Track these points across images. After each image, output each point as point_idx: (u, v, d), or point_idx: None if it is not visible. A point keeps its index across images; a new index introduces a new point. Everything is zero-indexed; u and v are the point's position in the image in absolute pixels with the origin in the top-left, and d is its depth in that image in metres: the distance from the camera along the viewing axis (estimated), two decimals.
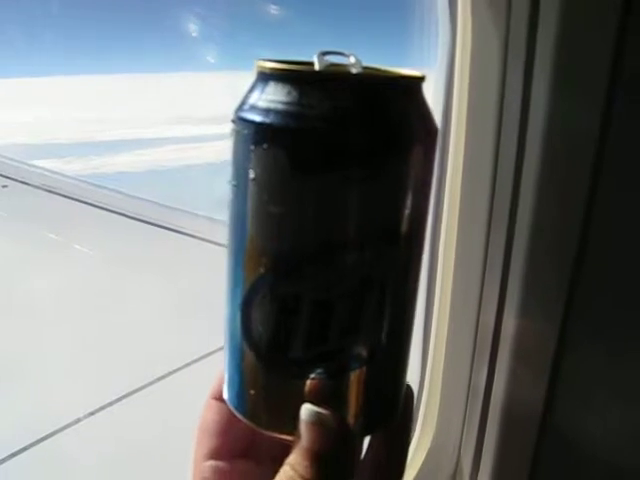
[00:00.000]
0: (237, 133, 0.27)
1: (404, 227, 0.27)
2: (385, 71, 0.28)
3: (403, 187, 0.27)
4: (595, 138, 0.40)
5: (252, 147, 0.26)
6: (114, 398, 1.74)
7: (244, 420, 0.30)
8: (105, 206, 3.45)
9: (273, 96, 0.26)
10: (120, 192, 3.64)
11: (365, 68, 0.28)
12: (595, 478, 0.47)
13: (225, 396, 0.31)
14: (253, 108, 0.26)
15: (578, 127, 0.41)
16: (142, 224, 3.20)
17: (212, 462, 0.34)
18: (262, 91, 0.27)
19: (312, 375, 0.28)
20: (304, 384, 0.28)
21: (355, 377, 0.28)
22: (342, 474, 0.28)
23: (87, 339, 2.01)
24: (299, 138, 0.25)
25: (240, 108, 0.27)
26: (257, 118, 0.26)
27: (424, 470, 0.55)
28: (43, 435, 1.55)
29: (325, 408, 0.28)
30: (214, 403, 0.34)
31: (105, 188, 3.73)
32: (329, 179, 0.25)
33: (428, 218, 0.30)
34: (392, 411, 0.31)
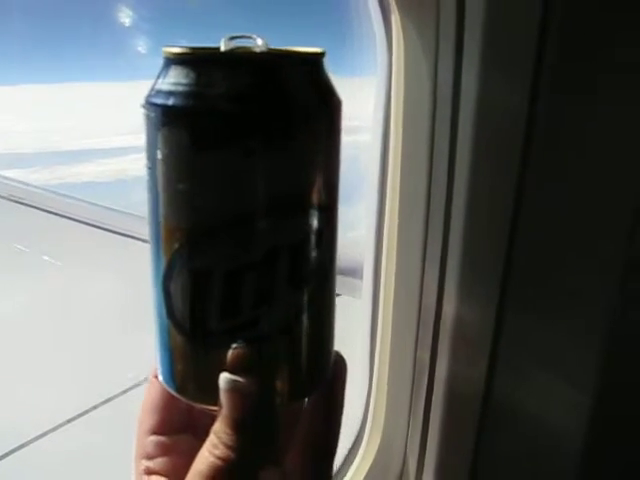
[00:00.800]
0: (146, 117, 0.28)
1: (310, 197, 0.28)
2: (286, 50, 0.30)
3: (304, 158, 0.28)
4: (523, 122, 0.42)
5: (158, 129, 0.27)
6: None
7: (175, 394, 0.31)
8: (72, 216, 3.41)
9: (175, 79, 0.28)
10: (87, 201, 3.60)
11: (270, 50, 0.29)
12: (537, 468, 0.49)
13: (158, 373, 0.32)
14: (158, 92, 0.28)
15: (507, 112, 0.43)
16: (110, 233, 3.17)
17: (154, 437, 0.34)
18: (165, 75, 0.28)
19: (233, 344, 0.28)
20: (225, 355, 0.29)
21: (273, 346, 0.29)
22: (263, 440, 0.29)
23: (60, 347, 1.99)
24: (196, 116, 0.27)
25: (148, 94, 0.28)
26: (160, 101, 0.28)
27: (374, 467, 0.57)
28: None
29: (243, 376, 0.28)
30: (155, 381, 0.34)
31: (73, 198, 3.68)
32: (228, 154, 0.27)
33: (338, 187, 0.30)
34: (316, 379, 0.32)
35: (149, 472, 0.34)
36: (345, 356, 0.33)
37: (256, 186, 0.27)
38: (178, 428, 0.34)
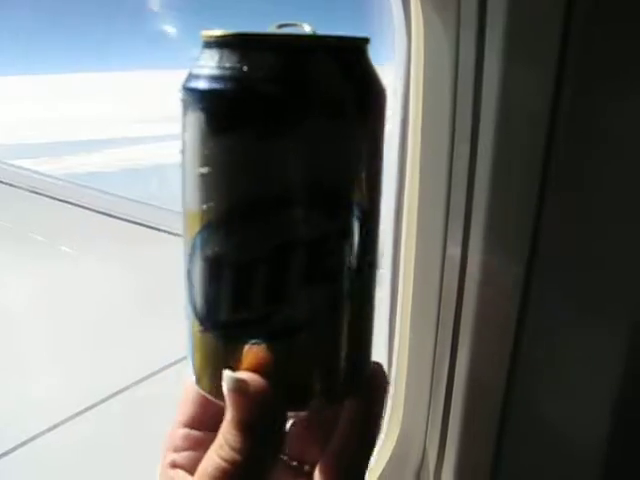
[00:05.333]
0: (180, 101, 0.28)
1: (340, 191, 0.27)
2: (328, 35, 0.28)
3: (339, 149, 0.27)
4: (547, 113, 0.42)
5: (183, 113, 0.27)
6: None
7: (194, 384, 0.30)
8: (86, 205, 3.42)
9: (202, 62, 0.27)
10: (100, 190, 3.61)
11: (312, 34, 0.28)
12: (558, 461, 0.48)
13: (188, 361, 0.31)
14: (188, 76, 0.27)
15: (530, 102, 0.42)
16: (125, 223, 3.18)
17: (185, 430, 0.34)
18: (198, 59, 0.27)
19: (247, 340, 0.27)
20: (239, 350, 0.27)
21: (286, 346, 0.28)
22: (269, 444, 0.28)
23: (74, 336, 2.00)
24: (214, 99, 0.26)
25: (184, 79, 0.28)
26: (185, 85, 0.27)
27: (393, 458, 0.56)
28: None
29: (250, 375, 0.27)
30: None
31: (86, 187, 3.69)
32: (244, 138, 0.26)
33: (378, 184, 0.29)
34: (337, 390, 0.30)
35: (174, 465, 0.33)
36: None
37: (270, 174, 0.26)
38: (212, 424, 0.32)
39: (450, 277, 0.48)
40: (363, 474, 0.32)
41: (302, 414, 0.31)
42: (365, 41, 0.28)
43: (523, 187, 0.44)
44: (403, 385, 0.55)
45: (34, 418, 1.60)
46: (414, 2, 0.45)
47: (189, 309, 0.29)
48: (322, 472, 0.32)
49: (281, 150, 0.26)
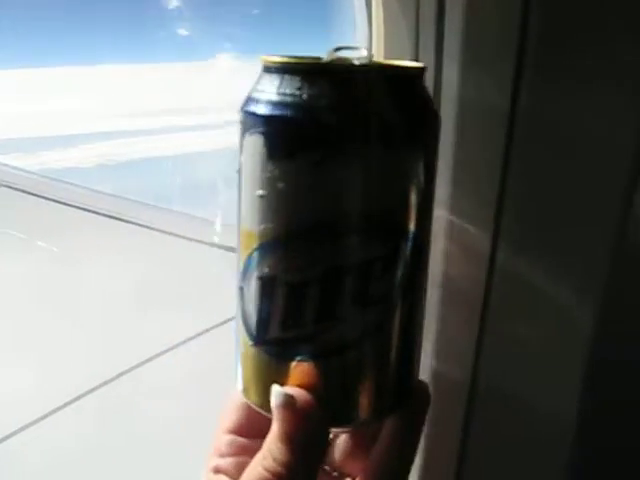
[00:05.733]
0: (239, 122, 0.29)
1: (392, 218, 0.28)
2: (385, 64, 0.30)
3: (393, 177, 0.28)
4: (506, 116, 0.42)
5: (243, 134, 0.28)
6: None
7: (240, 394, 0.32)
8: (62, 200, 3.38)
9: (261, 86, 0.28)
10: (77, 185, 3.57)
11: (369, 63, 0.29)
12: (526, 450, 0.49)
13: (234, 372, 0.32)
14: (247, 100, 0.29)
15: (488, 107, 0.43)
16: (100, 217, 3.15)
17: (230, 436, 0.34)
18: (257, 83, 0.29)
19: (295, 357, 0.29)
20: (286, 366, 0.29)
21: (334, 363, 0.29)
22: (311, 458, 0.29)
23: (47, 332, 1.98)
24: (274, 124, 0.27)
25: (243, 101, 0.29)
26: (245, 108, 0.28)
27: None
28: None
29: (297, 391, 0.28)
30: None
31: (62, 182, 3.65)
32: (302, 164, 0.26)
33: (430, 211, 0.30)
34: (384, 406, 0.31)
35: (217, 470, 0.34)
36: None
37: (324, 200, 0.27)
38: (257, 431, 0.34)
39: None
40: None
41: (346, 429, 0.32)
42: (421, 70, 0.29)
43: (481, 197, 0.44)
44: None
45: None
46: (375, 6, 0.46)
47: (240, 323, 0.30)
48: None
49: (338, 177, 0.27)
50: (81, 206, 3.29)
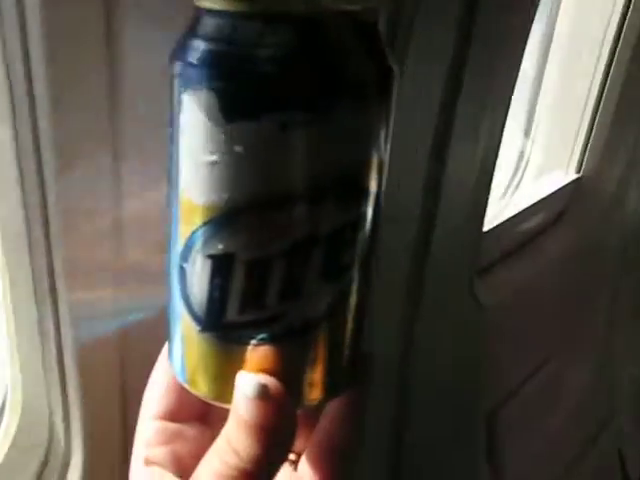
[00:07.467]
0: (170, 75, 0.24)
1: (355, 180, 0.25)
2: (337, 8, 0.24)
3: (351, 135, 0.24)
4: None
5: (182, 90, 0.24)
6: None
7: (185, 387, 0.28)
8: None
9: (207, 34, 0.23)
10: None
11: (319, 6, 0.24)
12: None
13: (169, 360, 0.29)
14: (184, 47, 0.24)
15: None
16: None
17: (158, 423, 0.31)
18: (195, 29, 0.24)
19: (252, 341, 0.26)
20: (243, 350, 0.26)
21: (300, 344, 0.26)
22: (284, 450, 0.27)
23: None
24: (228, 79, 0.23)
25: (174, 47, 0.24)
26: (183, 58, 0.24)
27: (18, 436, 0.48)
28: None
29: (269, 379, 0.25)
30: (164, 362, 0.30)
31: None
32: (260, 125, 0.23)
33: (385, 170, 0.26)
34: (342, 381, 0.29)
35: (148, 462, 0.30)
36: None
37: (293, 164, 0.24)
38: (189, 415, 0.31)
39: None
40: (351, 460, 0.31)
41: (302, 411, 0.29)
42: (377, 12, 0.25)
43: None
44: (18, 368, 0.47)
45: None
46: None
47: (180, 307, 0.26)
48: (309, 459, 0.30)
49: (307, 138, 0.23)
50: None
